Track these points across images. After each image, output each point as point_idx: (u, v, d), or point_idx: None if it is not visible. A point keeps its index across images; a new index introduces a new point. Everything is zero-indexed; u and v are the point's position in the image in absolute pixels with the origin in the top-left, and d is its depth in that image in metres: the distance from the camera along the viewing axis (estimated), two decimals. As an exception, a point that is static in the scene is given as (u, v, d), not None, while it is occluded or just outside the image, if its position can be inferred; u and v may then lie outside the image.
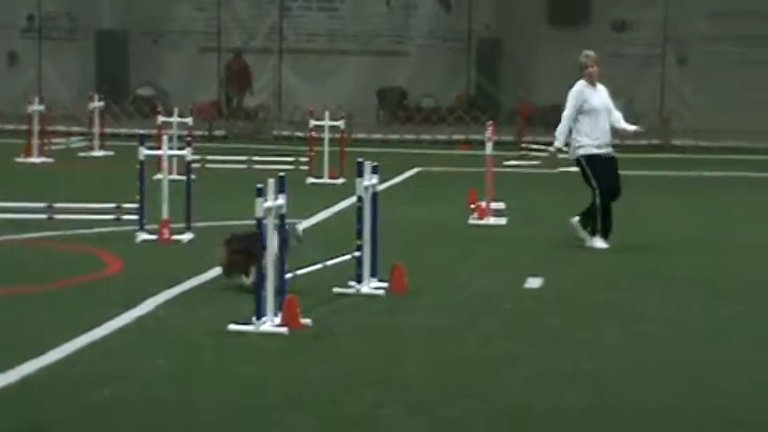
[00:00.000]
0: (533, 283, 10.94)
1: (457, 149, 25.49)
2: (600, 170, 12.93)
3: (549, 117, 27.16)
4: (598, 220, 12.93)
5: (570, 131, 13.01)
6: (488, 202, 14.99)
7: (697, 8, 27.53)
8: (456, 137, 26.87)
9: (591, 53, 13.33)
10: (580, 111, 12.97)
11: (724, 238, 14.10)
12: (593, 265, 12.08)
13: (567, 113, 13.06)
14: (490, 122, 16.16)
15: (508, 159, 21.90)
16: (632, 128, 13.61)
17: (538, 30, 28.02)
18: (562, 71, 27.55)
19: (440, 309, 9.85)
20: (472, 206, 15.17)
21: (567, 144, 13.17)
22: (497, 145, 16.54)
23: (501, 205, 15.40)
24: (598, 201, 12.96)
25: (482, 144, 17.51)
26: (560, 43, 27.66)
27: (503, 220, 14.85)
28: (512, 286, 10.79)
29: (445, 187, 18.96)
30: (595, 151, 12.96)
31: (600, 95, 13.11)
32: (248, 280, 10.00)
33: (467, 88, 28.93)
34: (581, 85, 13.13)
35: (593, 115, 12.96)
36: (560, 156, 13.34)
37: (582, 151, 13.02)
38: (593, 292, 10.75)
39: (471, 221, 14.75)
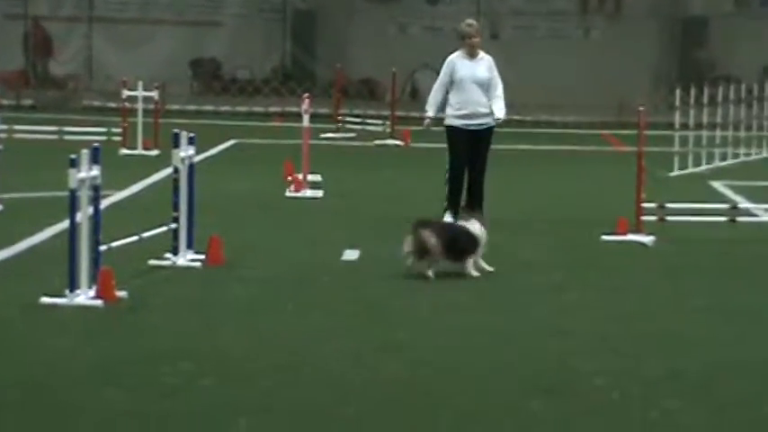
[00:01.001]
0: (350, 255, 11.00)
1: (272, 121, 25.42)
2: (455, 143, 12.58)
3: (364, 90, 27.45)
4: (446, 192, 12.67)
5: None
6: (305, 175, 15.01)
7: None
8: (272, 109, 26.79)
9: (473, 23, 12.86)
10: (451, 81, 12.58)
11: (531, 208, 14.40)
12: (404, 237, 12.17)
13: (436, 84, 12.73)
14: (306, 95, 16.16)
15: (324, 132, 21.94)
16: (497, 115, 12.60)
17: (352, 2, 28.11)
18: (376, 44, 27.95)
19: (257, 281, 9.83)
20: (289, 178, 15.16)
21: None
22: (313, 117, 16.55)
23: (317, 178, 15.44)
24: (447, 174, 12.69)
25: (298, 116, 17.49)
26: (375, 16, 27.86)
27: (319, 193, 14.89)
28: (329, 259, 10.83)
29: (261, 159, 18.89)
30: (456, 122, 12.56)
31: (475, 67, 12.57)
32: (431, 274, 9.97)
33: (282, 60, 28.84)
34: (454, 55, 12.70)
35: (459, 86, 12.52)
36: (431, 126, 12.83)
37: (446, 121, 12.69)
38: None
39: (288, 194, 14.74)
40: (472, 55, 12.63)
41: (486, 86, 12.54)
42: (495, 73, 12.66)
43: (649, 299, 9.62)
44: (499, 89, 12.60)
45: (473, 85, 12.54)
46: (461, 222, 10.65)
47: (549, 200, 15.37)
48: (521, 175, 18.02)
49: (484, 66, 12.63)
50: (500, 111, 12.52)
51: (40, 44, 27.89)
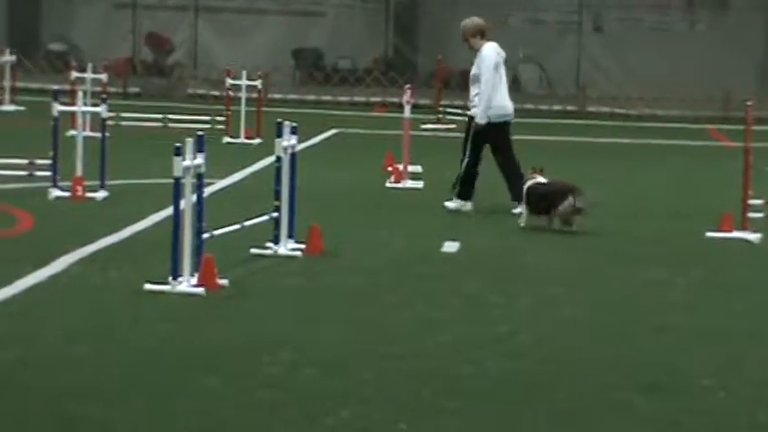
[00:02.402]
0: (450, 247, 10.96)
1: (374, 112, 25.45)
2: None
3: (465, 81, 27.36)
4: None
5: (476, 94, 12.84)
6: (405, 166, 14.98)
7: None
8: (373, 99, 26.82)
9: (462, 24, 13.18)
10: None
11: (636, 204, 14.24)
12: (508, 230, 12.13)
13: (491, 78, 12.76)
14: (409, 85, 16.12)
15: (425, 123, 21.90)
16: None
17: (455, -6, 28.01)
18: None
19: (357, 271, 9.83)
20: (389, 169, 15.15)
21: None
22: (414, 108, 16.52)
23: (418, 169, 15.41)
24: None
25: (399, 106, 17.49)
26: (478, 7, 27.67)
27: (419, 184, 14.85)
28: (429, 250, 10.80)
29: (362, 149, 18.92)
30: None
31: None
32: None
33: (384, 50, 28.85)
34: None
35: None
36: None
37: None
38: (507, 256, 10.80)
39: (388, 184, 14.74)
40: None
41: (473, 82, 12.89)
42: (482, 68, 12.80)
43: (755, 297, 9.44)
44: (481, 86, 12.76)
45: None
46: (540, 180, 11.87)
47: (652, 195, 15.17)
48: (624, 169, 17.83)
49: (475, 62, 12.87)
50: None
51: (157, 37, 28.27)
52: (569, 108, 26.40)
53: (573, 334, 8.12)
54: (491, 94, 12.72)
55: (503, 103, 12.94)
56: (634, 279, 9.95)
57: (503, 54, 13.03)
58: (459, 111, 23.18)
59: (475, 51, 12.91)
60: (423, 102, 23.18)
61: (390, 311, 8.58)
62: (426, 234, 11.63)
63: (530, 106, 26.25)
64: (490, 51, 12.84)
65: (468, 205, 12.88)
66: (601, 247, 11.39)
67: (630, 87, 26.46)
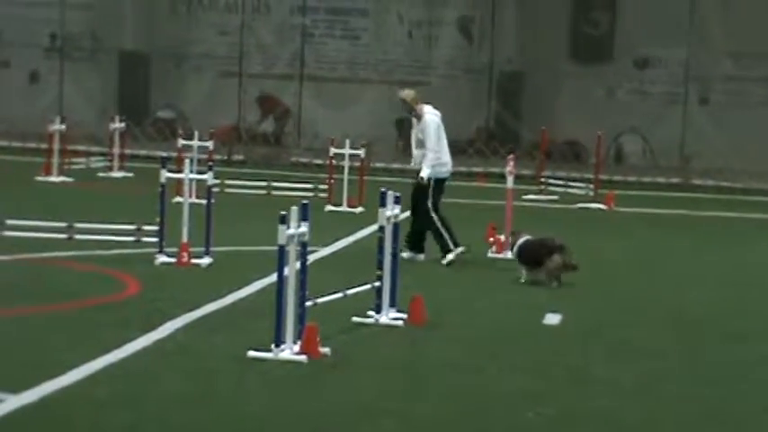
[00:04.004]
0: (552, 319, 10.90)
1: (475, 181, 25.48)
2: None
3: (569, 152, 27.32)
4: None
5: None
6: (507, 236, 14.95)
7: (720, 48, 27.53)
8: (475, 169, 26.86)
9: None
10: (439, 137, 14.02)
11: (743, 278, 14.03)
12: (611, 303, 12.04)
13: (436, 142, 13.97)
14: (511, 156, 16.14)
15: (527, 193, 21.88)
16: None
17: (560, 64, 28.03)
18: (583, 107, 27.79)
19: (459, 342, 9.81)
20: (491, 239, 15.14)
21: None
22: (516, 178, 16.51)
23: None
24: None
25: (501, 177, 17.47)
26: (582, 79, 27.70)
27: (521, 255, 14.78)
28: (530, 322, 10.75)
29: (464, 219, 18.90)
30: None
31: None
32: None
33: (487, 120, 28.94)
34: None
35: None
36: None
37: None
38: (611, 329, 10.70)
39: (490, 254, 14.72)
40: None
41: (418, 146, 14.08)
42: (426, 133, 13.99)
43: None
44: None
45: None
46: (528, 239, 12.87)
47: (758, 270, 14.94)
48: (730, 243, 17.59)
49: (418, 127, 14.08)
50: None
51: (275, 108, 28.76)
52: (673, 180, 26.17)
53: (678, 411, 7.99)
54: (435, 154, 13.94)
55: (445, 160, 14.18)
56: (741, 356, 9.78)
57: (438, 114, 14.17)
58: (562, 182, 23.19)
59: (417, 118, 14.06)
60: (525, 172, 23.14)
61: (491, 382, 8.55)
62: (528, 305, 11.58)
63: (632, 178, 26.10)
64: (431, 116, 14.01)
65: (450, 255, 13.83)
66: (706, 322, 11.24)
67: (736, 160, 26.17)
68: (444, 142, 14.16)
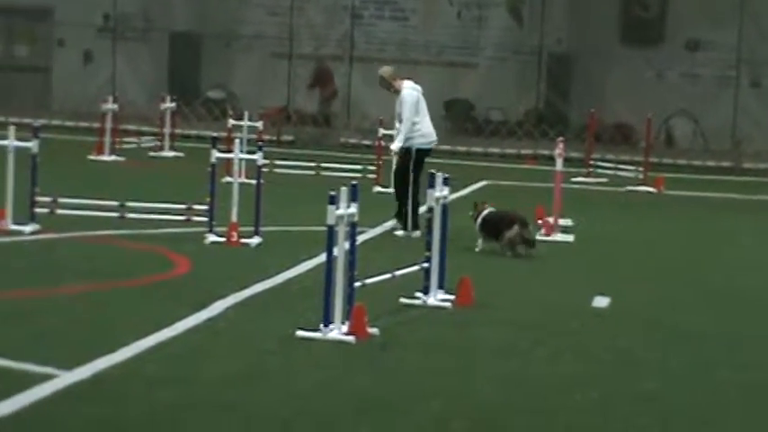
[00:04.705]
0: (601, 301, 10.89)
1: (524, 164, 25.44)
2: None
3: (618, 135, 27.19)
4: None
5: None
6: (556, 219, 14.94)
7: (772, 31, 27.29)
8: (524, 151, 26.81)
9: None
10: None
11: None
12: (659, 285, 12.02)
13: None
14: (561, 138, 16.11)
15: (575, 176, 21.81)
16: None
17: (610, 47, 27.89)
18: (632, 89, 27.63)
19: (506, 324, 9.84)
20: (539, 222, 15.13)
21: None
22: (565, 161, 16.46)
23: (568, 222, 15.35)
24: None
25: (550, 159, 17.45)
26: (632, 61, 27.53)
27: (570, 237, 14.79)
28: (579, 304, 10.75)
29: (512, 202, 18.88)
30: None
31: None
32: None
33: (536, 102, 28.85)
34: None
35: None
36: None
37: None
38: (659, 312, 10.69)
39: (538, 237, 14.70)
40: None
41: (398, 119, 14.44)
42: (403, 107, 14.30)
43: None
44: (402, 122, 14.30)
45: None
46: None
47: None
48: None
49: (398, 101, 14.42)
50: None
51: (327, 84, 28.76)
52: (724, 164, 25.99)
53: (726, 396, 7.99)
54: (410, 127, 14.19)
55: (427, 131, 14.37)
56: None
57: (419, 88, 14.57)
58: (611, 164, 23.10)
59: (396, 93, 14.47)
60: (574, 155, 23.06)
61: (539, 365, 8.57)
62: (576, 288, 11.58)
63: (683, 161, 25.95)
64: (409, 91, 14.39)
65: (417, 233, 13.88)
66: (757, 306, 11.19)
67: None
68: (426, 115, 14.43)
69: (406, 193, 14.15)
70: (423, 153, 14.34)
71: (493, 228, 13.22)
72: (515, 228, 13.03)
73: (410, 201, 14.12)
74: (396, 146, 14.35)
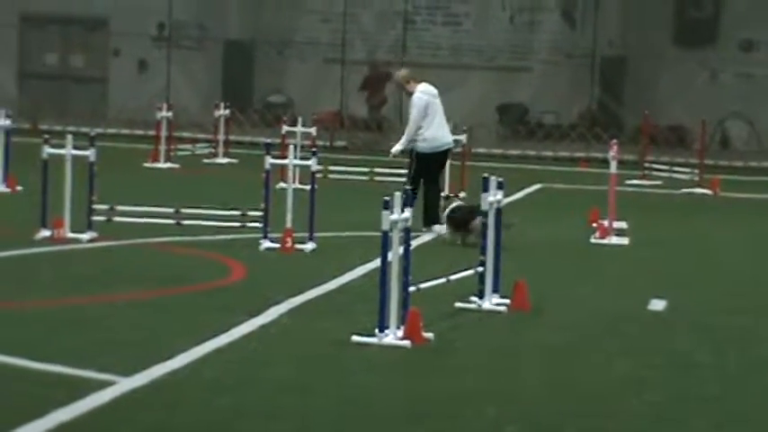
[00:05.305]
0: (657, 305, 10.83)
1: (578, 167, 25.35)
2: None
3: (673, 137, 27.03)
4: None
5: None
6: (610, 221, 14.88)
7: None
8: (577, 154, 26.72)
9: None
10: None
11: None
12: (717, 288, 11.93)
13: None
14: (615, 141, 16.04)
15: (630, 178, 21.71)
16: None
17: (663, 49, 27.73)
18: (686, 91, 27.46)
19: (562, 328, 9.81)
20: (594, 225, 15.07)
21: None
22: (620, 164, 16.40)
23: (623, 225, 15.29)
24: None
25: (603, 162, 17.37)
26: (686, 63, 27.35)
27: (625, 240, 14.72)
28: (635, 307, 10.70)
29: (566, 205, 18.85)
30: None
31: None
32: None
33: (589, 105, 28.74)
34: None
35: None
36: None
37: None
38: (716, 315, 10.61)
39: (593, 240, 14.65)
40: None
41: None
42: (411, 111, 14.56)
43: None
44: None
45: None
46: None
47: None
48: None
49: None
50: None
51: (377, 90, 28.83)
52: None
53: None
54: (414, 131, 14.33)
55: (436, 135, 14.44)
56: None
57: (433, 92, 14.65)
58: (665, 167, 22.96)
59: (409, 96, 14.69)
60: (628, 157, 22.96)
61: (595, 369, 8.54)
62: (632, 291, 11.53)
63: (738, 163, 25.75)
64: (419, 95, 14.50)
65: (442, 228, 14.06)
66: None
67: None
68: (437, 119, 14.48)
69: (427, 194, 14.26)
70: (426, 158, 14.37)
71: (460, 220, 13.65)
72: (479, 219, 13.09)
73: (423, 200, 14.19)
74: (396, 149, 14.54)
